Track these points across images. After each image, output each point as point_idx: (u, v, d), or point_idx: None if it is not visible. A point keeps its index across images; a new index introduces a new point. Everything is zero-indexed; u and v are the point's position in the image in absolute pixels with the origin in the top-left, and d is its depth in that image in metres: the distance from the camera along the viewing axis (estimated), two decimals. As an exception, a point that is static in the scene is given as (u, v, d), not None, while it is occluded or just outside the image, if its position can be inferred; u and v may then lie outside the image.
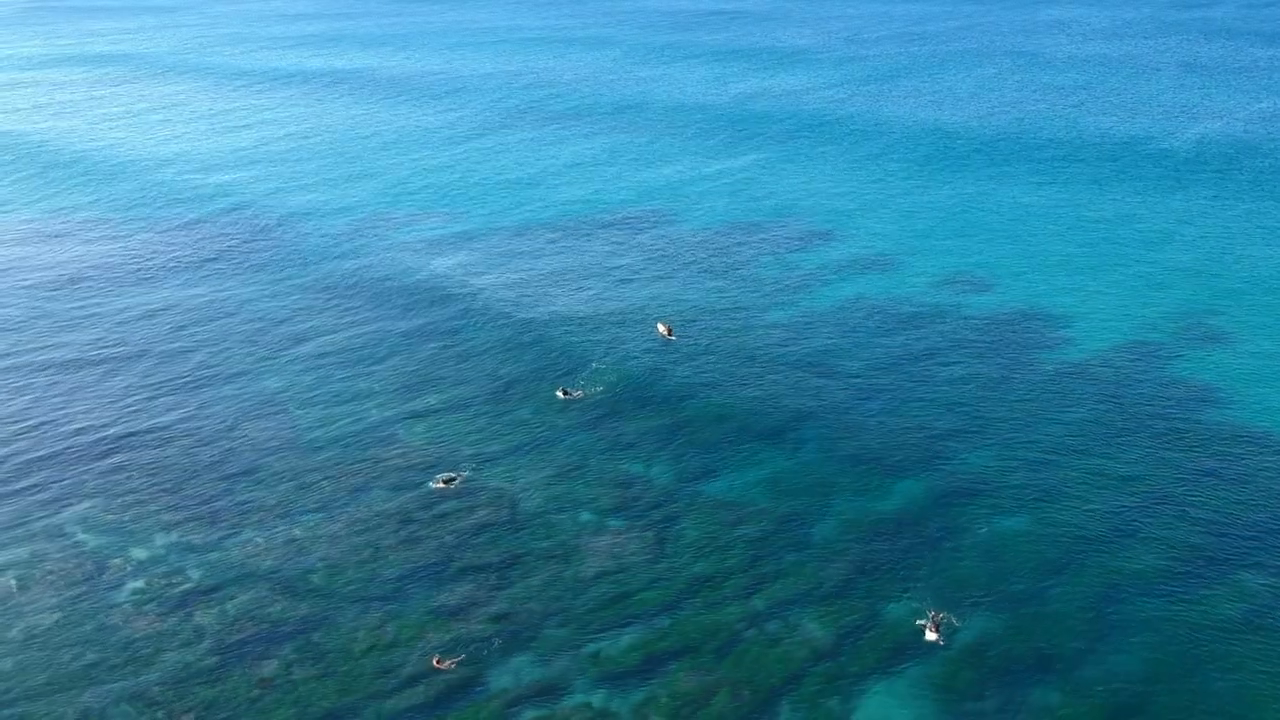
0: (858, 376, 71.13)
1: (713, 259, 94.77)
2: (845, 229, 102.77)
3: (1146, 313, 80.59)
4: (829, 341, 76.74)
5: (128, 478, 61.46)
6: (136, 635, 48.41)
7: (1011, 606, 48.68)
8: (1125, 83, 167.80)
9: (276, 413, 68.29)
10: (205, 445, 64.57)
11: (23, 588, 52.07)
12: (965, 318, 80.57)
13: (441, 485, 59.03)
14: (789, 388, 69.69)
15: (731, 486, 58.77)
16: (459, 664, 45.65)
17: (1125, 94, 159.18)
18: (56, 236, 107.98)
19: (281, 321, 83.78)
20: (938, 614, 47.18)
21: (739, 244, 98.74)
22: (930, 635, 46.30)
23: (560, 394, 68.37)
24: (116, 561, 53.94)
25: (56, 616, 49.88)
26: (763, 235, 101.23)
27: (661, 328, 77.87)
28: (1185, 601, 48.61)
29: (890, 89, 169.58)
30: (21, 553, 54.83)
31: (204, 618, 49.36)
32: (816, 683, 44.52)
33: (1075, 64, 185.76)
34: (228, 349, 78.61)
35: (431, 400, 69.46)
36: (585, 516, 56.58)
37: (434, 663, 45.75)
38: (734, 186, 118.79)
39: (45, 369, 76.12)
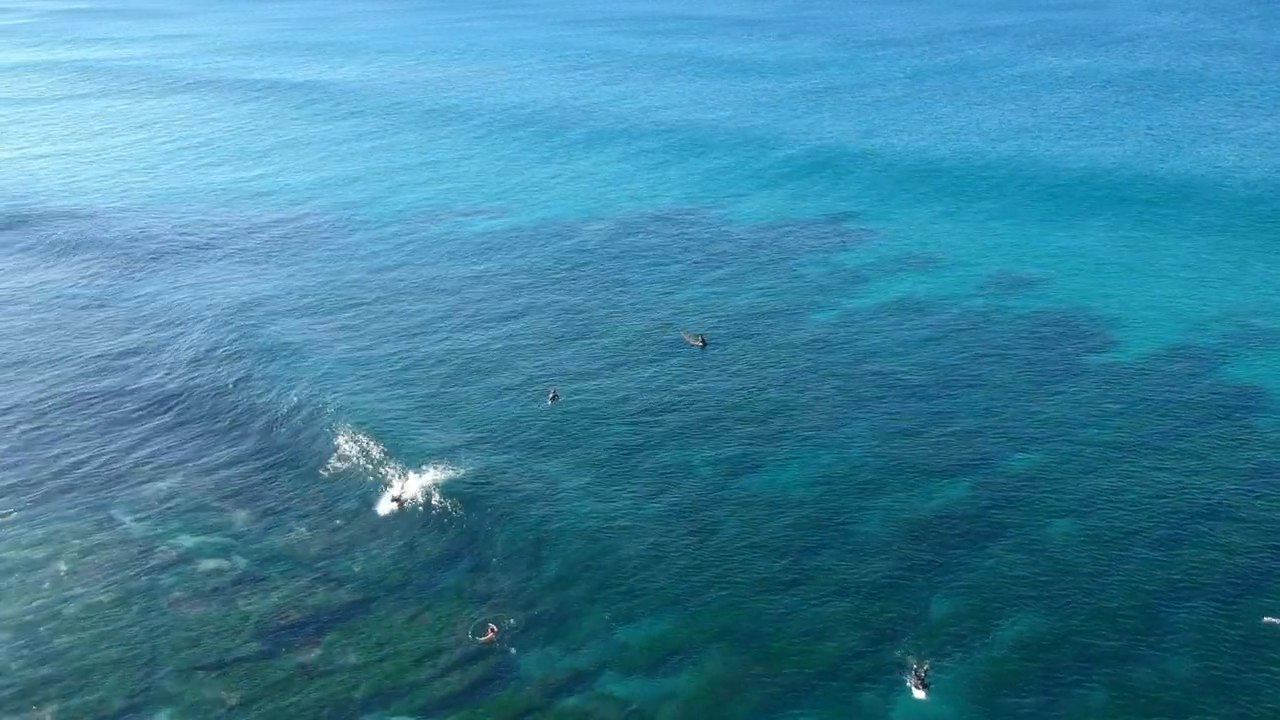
0: (902, 377, 70.57)
1: (756, 256, 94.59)
2: (887, 228, 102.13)
3: (1194, 315, 79.22)
4: (873, 341, 76.19)
5: (174, 467, 62.33)
6: (183, 619, 49.12)
7: (1057, 607, 47.99)
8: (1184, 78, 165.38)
9: (316, 401, 68.91)
10: (249, 437, 65.33)
11: (73, 572, 53.01)
12: (1011, 319, 79.62)
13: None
14: (833, 387, 69.29)
15: (773, 481, 58.49)
16: (497, 637, 46.37)
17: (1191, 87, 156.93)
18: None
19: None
20: (921, 665, 44.35)
21: (783, 242, 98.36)
22: (918, 693, 43.15)
23: (550, 399, 67.99)
24: (163, 548, 54.80)
25: (106, 600, 50.75)
26: (807, 233, 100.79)
27: (689, 338, 76.79)
28: (1237, 607, 47.64)
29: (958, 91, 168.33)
30: (72, 538, 55.81)
31: (248, 604, 49.98)
32: (852, 678, 44.14)
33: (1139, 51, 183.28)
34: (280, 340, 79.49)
35: (472, 390, 69.78)
36: (623, 505, 56.61)
37: (489, 633, 46.54)
38: (770, 182, 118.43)
39: (100, 357, 77.48)
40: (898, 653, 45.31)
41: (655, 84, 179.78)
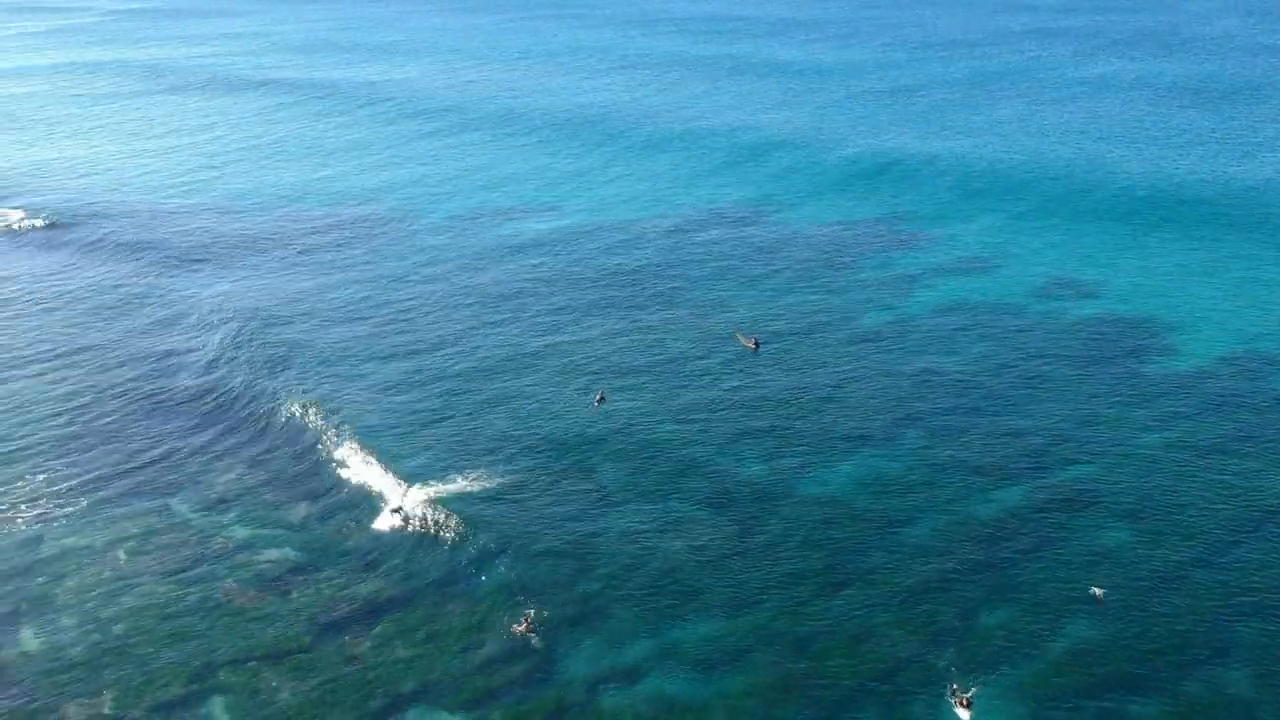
0: (956, 383, 69.90)
1: (816, 258, 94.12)
2: (945, 231, 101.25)
3: (1256, 321, 77.72)
4: (928, 344, 75.54)
5: (230, 461, 63.29)
6: (237, 609, 49.91)
7: (1114, 616, 47.35)
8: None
9: (369, 400, 69.59)
10: (302, 433, 66.10)
11: (132, 561, 54.05)
12: (1068, 324, 78.59)
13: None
14: (886, 389, 68.79)
15: (823, 484, 58.20)
16: (531, 628, 46.83)
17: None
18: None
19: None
20: (964, 690, 43.41)
21: (839, 244, 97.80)
22: (962, 713, 42.63)
23: (597, 401, 68.04)
24: (219, 539, 55.71)
25: (164, 589, 51.70)
26: (864, 236, 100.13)
27: (743, 340, 76.70)
28: (1299, 621, 46.79)
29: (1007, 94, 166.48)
30: (132, 529, 56.92)
31: (301, 595, 50.66)
32: (902, 684, 43.84)
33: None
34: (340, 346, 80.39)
35: (522, 387, 70.06)
36: (674, 505, 56.62)
37: (524, 622, 47.13)
38: (828, 185, 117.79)
39: (151, 359, 78.77)
40: (942, 663, 44.88)
41: (714, 86, 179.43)
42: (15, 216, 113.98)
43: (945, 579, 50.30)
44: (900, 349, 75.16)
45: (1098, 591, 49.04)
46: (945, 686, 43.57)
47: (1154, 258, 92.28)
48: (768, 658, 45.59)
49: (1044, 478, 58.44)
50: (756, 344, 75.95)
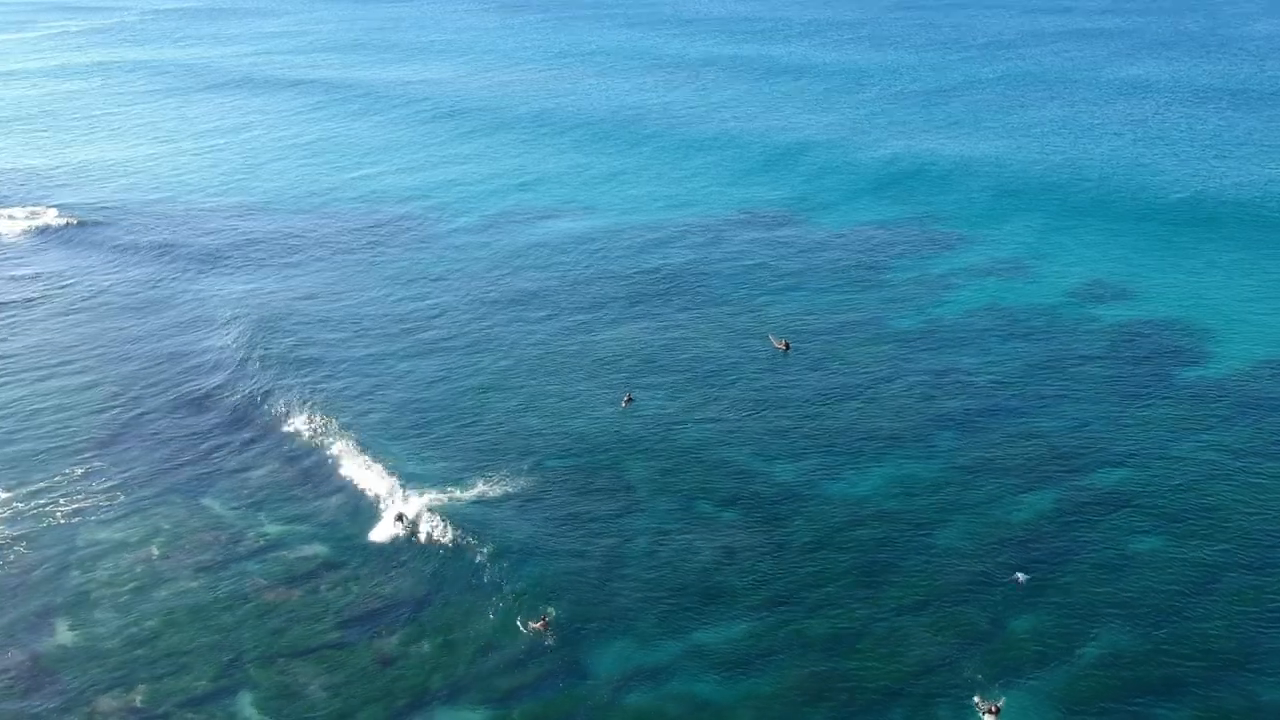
0: (988, 385, 69.54)
1: (845, 260, 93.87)
2: (977, 234, 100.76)
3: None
4: (959, 349, 75.16)
5: (259, 459, 63.89)
6: (267, 606, 50.38)
7: (1143, 625, 46.92)
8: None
9: (394, 393, 70.03)
10: (334, 430, 66.60)
11: (165, 556, 54.71)
12: (1101, 329, 77.95)
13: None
14: (917, 394, 68.55)
15: (853, 488, 58.06)
16: (550, 628, 46.90)
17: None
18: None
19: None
20: (985, 699, 42.73)
21: (870, 247, 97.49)
22: None
23: (624, 403, 67.94)
24: (251, 535, 56.27)
25: (195, 585, 52.26)
26: (895, 238, 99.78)
27: (775, 341, 76.64)
28: (1337, 633, 46.22)
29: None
30: (165, 524, 57.58)
31: (329, 592, 51.07)
32: (929, 690, 43.63)
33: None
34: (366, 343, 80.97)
35: (547, 389, 70.27)
36: (702, 506, 56.65)
37: (542, 621, 47.35)
38: (859, 187, 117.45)
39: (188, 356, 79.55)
40: (971, 668, 44.64)
41: (749, 87, 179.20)
42: (50, 215, 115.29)
43: (975, 582, 50.06)
44: (932, 350, 74.84)
45: (1020, 577, 49.76)
46: (972, 694, 43.26)
47: (1190, 261, 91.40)
48: (795, 660, 45.52)
49: (1076, 481, 58.04)
50: (787, 346, 75.81)
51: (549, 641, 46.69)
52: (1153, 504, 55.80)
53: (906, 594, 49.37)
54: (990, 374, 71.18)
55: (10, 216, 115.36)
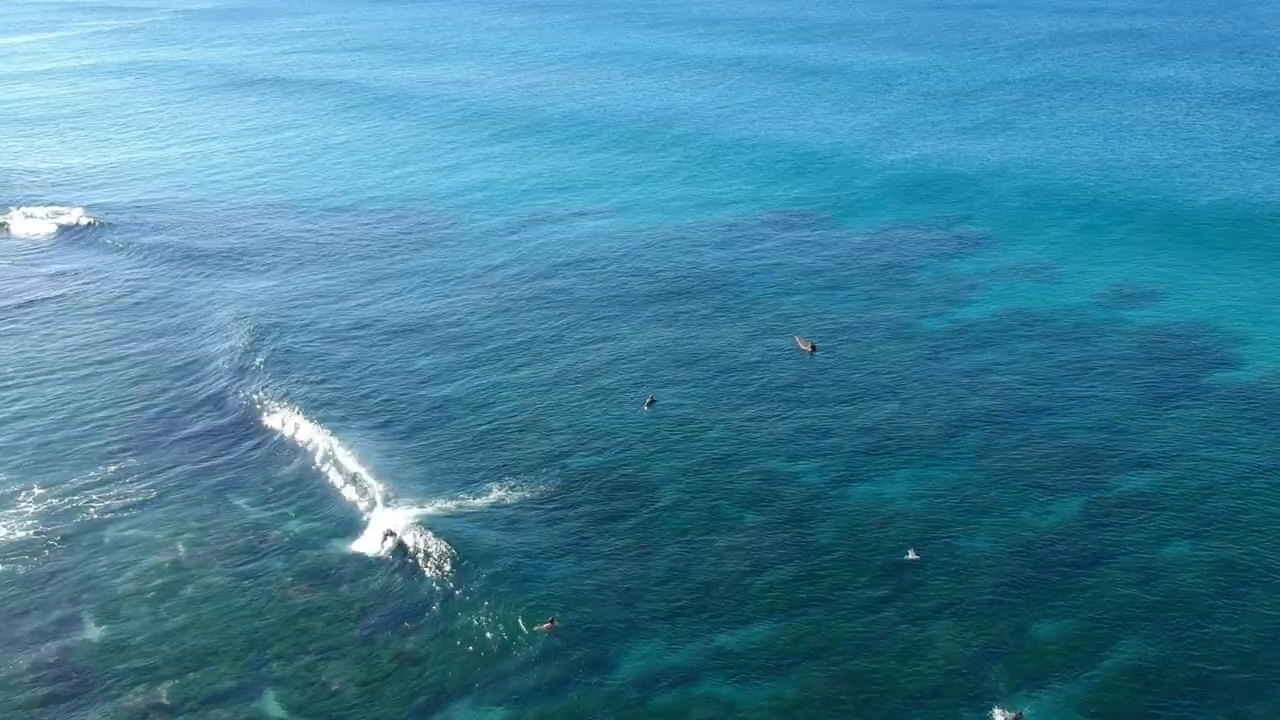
0: (1016, 387, 69.08)
1: (870, 262, 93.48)
2: (1003, 236, 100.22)
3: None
4: (985, 352, 74.70)
5: (285, 457, 64.27)
6: (291, 604, 50.69)
7: (1171, 633, 46.46)
8: None
9: (424, 393, 70.23)
10: (361, 429, 66.91)
11: (191, 553, 55.14)
12: (1129, 333, 77.29)
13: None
14: (942, 397, 68.17)
15: (878, 492, 57.79)
16: (555, 629, 47.00)
17: None
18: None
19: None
20: (1006, 711, 42.39)
21: (896, 249, 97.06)
22: None
23: (646, 405, 67.86)
24: (276, 533, 56.63)
25: (221, 582, 52.67)
26: (921, 241, 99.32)
27: (801, 343, 76.42)
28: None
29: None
30: (192, 521, 58.06)
31: (351, 590, 51.28)
32: (953, 697, 43.36)
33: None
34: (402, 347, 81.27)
35: (569, 393, 70.30)
36: (724, 509, 56.54)
37: (549, 623, 47.34)
38: (884, 188, 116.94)
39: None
40: (992, 677, 44.27)
41: (779, 89, 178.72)
42: (79, 214, 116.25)
43: (1000, 589, 49.73)
44: (960, 352, 74.43)
45: (913, 553, 51.22)
46: (995, 702, 42.91)
47: (1221, 264, 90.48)
48: (819, 664, 45.34)
49: (1104, 484, 57.59)
50: (814, 347, 75.56)
51: (558, 643, 46.59)
52: (1182, 508, 55.29)
53: (931, 598, 49.09)
54: (1018, 376, 70.74)
55: (41, 216, 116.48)
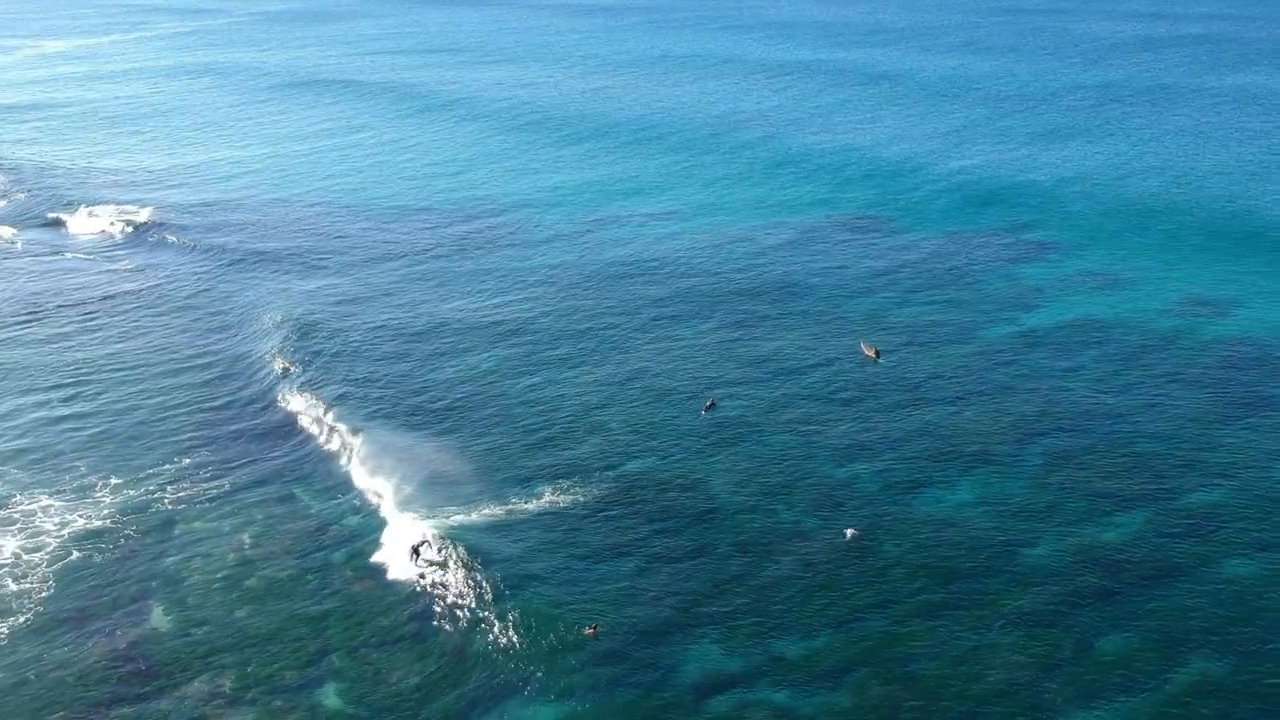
0: (1081, 399, 68.01)
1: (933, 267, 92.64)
2: (1070, 243, 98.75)
3: None
4: (1051, 360, 73.65)
5: (350, 452, 65.17)
6: (352, 596, 51.47)
7: (1239, 653, 45.39)
8: None
9: (484, 394, 70.82)
10: (426, 427, 67.67)
11: (256, 546, 56.19)
12: (1199, 344, 75.71)
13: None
14: (1007, 406, 67.32)
15: (939, 501, 57.22)
16: (598, 634, 47.05)
17: None
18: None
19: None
20: None
21: (963, 255, 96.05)
22: None
23: (705, 409, 67.68)
24: (336, 527, 57.56)
25: (285, 573, 53.67)
26: (988, 246, 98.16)
27: (866, 349, 75.96)
28: None
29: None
30: (258, 514, 59.25)
31: (406, 587, 51.79)
32: (1012, 710, 42.81)
33: None
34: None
35: (631, 393, 70.49)
36: (783, 515, 56.36)
37: (592, 629, 47.40)
38: (951, 194, 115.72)
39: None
40: (1049, 693, 43.61)
41: (845, 93, 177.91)
42: (150, 213, 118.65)
43: (1062, 604, 48.96)
44: (1023, 364, 73.43)
45: (849, 532, 52.55)
46: (1054, 717, 42.29)
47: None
48: (874, 674, 44.97)
49: (1168, 503, 56.42)
50: (878, 353, 75.06)
51: (606, 645, 46.76)
52: (1251, 526, 54.03)
53: (989, 611, 48.47)
54: (1085, 384, 69.67)
55: (108, 214, 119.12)
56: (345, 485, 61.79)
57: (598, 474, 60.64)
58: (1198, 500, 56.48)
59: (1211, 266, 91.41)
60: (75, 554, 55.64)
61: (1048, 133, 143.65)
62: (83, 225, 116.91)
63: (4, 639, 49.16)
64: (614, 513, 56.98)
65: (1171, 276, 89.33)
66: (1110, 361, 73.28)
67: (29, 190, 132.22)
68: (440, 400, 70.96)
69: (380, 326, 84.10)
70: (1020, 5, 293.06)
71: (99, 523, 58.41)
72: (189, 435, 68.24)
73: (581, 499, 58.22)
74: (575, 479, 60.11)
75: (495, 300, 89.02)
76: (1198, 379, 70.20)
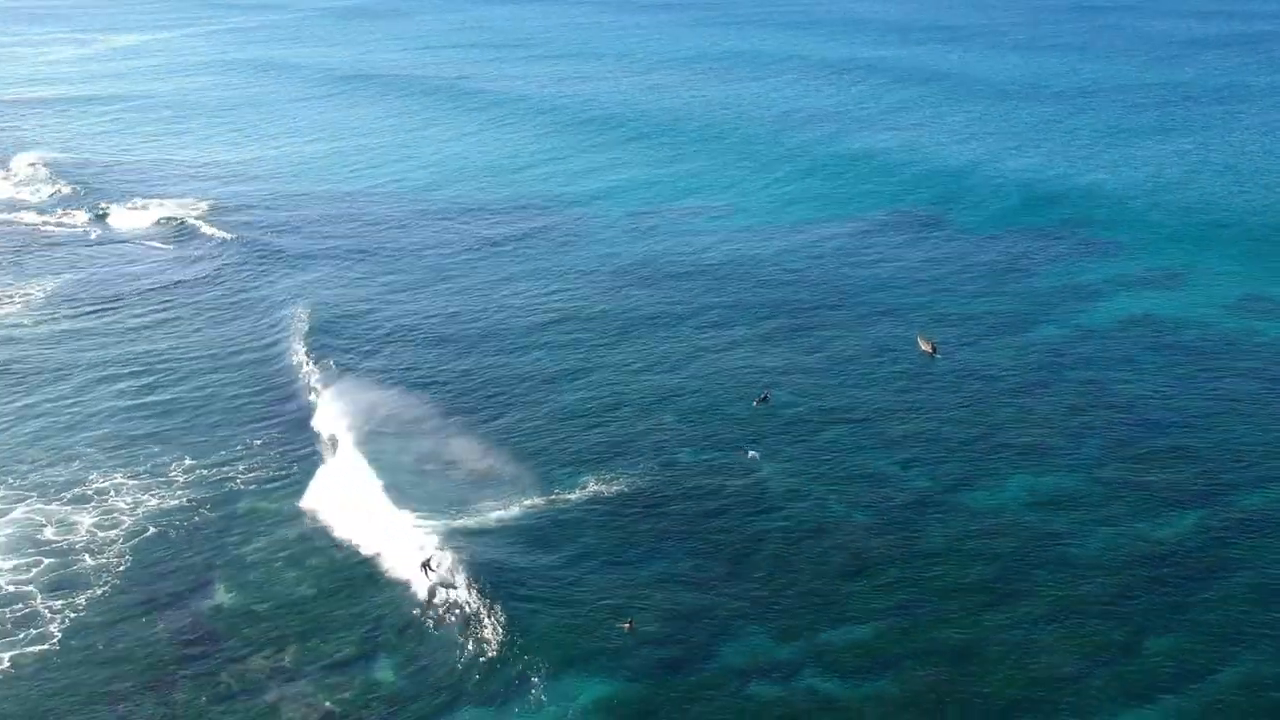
0: (1136, 398, 67.60)
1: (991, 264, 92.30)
2: (1129, 241, 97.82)
3: None
4: (1108, 359, 73.25)
5: (407, 440, 66.47)
6: (404, 578, 52.50)
7: (1291, 651, 45.38)
8: None
9: (538, 386, 71.83)
10: (473, 415, 68.81)
11: (315, 524, 57.70)
12: (1258, 345, 74.85)
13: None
14: (1062, 404, 67.13)
15: (991, 497, 57.28)
16: (634, 629, 47.55)
17: None
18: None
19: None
20: None
21: (1020, 252, 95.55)
22: None
23: (756, 402, 68.13)
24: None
25: (343, 553, 54.95)
26: (1044, 244, 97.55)
27: (923, 343, 76.02)
28: None
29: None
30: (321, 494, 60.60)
31: (458, 570, 52.47)
32: (1058, 705, 42.94)
33: None
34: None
35: (684, 384, 71.08)
36: (834, 509, 56.78)
37: (628, 624, 47.89)
38: (1009, 192, 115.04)
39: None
40: (1097, 687, 43.71)
41: (908, 93, 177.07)
42: (207, 207, 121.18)
43: (1112, 599, 48.96)
44: (1079, 360, 73.15)
45: (752, 453, 53.67)
46: (1097, 715, 42.32)
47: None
48: (922, 665, 45.29)
49: (1224, 500, 56.09)
50: (934, 348, 75.11)
51: (649, 631, 47.37)
52: (1305, 531, 53.62)
53: (1038, 606, 48.59)
54: (1140, 384, 69.26)
55: (180, 206, 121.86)
56: (402, 470, 62.75)
57: (644, 465, 61.40)
58: (1253, 501, 56.05)
59: (1273, 269, 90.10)
60: (150, 531, 57.53)
61: (1113, 131, 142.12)
62: (151, 215, 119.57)
63: (81, 611, 51.04)
64: (665, 504, 57.69)
65: (1231, 278, 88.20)
66: (1166, 362, 72.71)
67: (99, 181, 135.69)
68: (494, 391, 71.85)
69: (439, 321, 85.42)
70: (1090, 3, 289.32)
71: (173, 502, 60.28)
72: (258, 420, 70.07)
73: (623, 490, 58.96)
74: (622, 469, 60.89)
75: (552, 297, 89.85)
76: (1256, 381, 69.44)
